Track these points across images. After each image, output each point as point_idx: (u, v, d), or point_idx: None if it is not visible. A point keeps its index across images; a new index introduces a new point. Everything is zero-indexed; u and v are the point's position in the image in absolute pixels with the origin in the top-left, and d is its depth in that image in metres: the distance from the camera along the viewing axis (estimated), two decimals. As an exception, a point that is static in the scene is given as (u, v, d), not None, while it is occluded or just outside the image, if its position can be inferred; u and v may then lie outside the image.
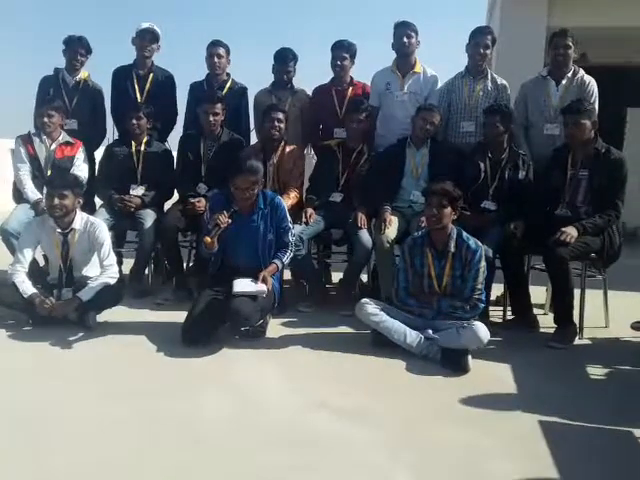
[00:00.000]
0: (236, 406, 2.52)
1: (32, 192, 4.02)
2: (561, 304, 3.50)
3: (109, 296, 3.45)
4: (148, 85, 4.54)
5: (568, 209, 3.64)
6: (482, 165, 3.88)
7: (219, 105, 4.20)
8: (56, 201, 3.37)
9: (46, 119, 4.07)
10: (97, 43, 4.65)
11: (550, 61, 4.22)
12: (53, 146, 4.15)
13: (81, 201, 3.54)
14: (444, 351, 3.07)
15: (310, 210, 4.06)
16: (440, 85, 4.42)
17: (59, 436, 2.22)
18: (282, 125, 4.17)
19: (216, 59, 4.54)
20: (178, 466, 2.05)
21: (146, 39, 4.52)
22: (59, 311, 3.32)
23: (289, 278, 4.36)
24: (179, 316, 3.35)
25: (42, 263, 3.81)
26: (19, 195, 4.12)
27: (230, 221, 3.33)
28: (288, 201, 4.02)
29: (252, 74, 5.58)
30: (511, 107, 4.08)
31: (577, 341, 3.48)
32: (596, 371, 3.10)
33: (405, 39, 4.31)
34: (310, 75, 5.18)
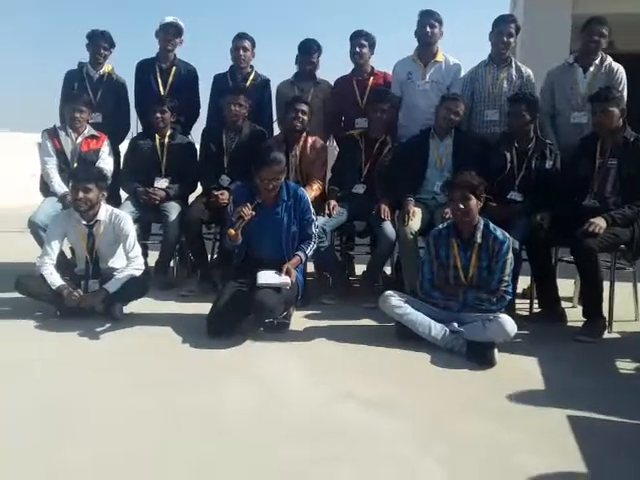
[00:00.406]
0: (260, 398, 2.53)
1: (59, 185, 4.07)
2: (590, 297, 3.43)
3: (135, 288, 3.48)
4: (171, 78, 4.56)
5: (596, 199, 3.57)
6: (508, 155, 3.82)
7: (242, 97, 4.21)
8: (80, 195, 3.41)
9: (77, 114, 4.12)
10: (119, 37, 4.68)
11: (580, 47, 4.12)
12: (79, 140, 4.19)
13: (105, 194, 3.58)
14: (470, 344, 3.04)
15: (333, 202, 4.05)
16: (463, 74, 4.37)
17: (86, 426, 2.25)
18: (305, 117, 4.15)
19: (241, 52, 4.54)
20: (202, 458, 2.06)
21: (170, 33, 4.53)
22: (86, 302, 3.37)
23: (312, 270, 4.35)
24: (204, 308, 3.37)
25: (69, 255, 3.86)
26: (46, 188, 4.17)
27: (254, 213, 3.34)
28: (311, 193, 4.01)
29: (273, 65, 5.56)
30: (536, 95, 4.01)
31: (606, 335, 3.42)
32: (625, 365, 3.04)
33: (428, 28, 4.26)
34: (332, 67, 5.15)
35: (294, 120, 4.13)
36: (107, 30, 4.57)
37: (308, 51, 4.53)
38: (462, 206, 3.14)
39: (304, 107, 4.15)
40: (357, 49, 4.44)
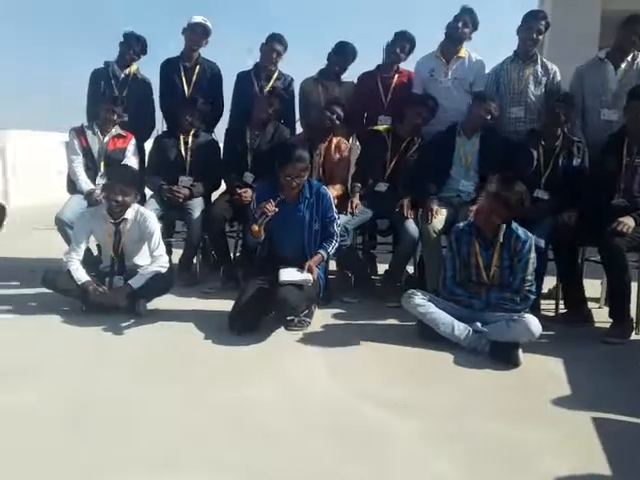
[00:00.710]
0: (282, 395, 2.54)
1: (85, 183, 4.13)
2: (617, 297, 3.37)
3: (159, 284, 3.52)
4: (195, 77, 4.59)
5: (624, 198, 3.50)
6: (535, 153, 3.77)
7: (280, 100, 4.28)
8: (120, 198, 3.47)
9: (112, 116, 4.19)
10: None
11: (615, 43, 4.01)
12: (106, 139, 4.25)
13: (139, 197, 3.63)
14: (493, 344, 3.01)
15: (356, 200, 4.04)
16: (486, 70, 4.31)
17: (110, 420, 2.27)
18: (337, 119, 4.18)
19: (274, 55, 4.55)
20: (224, 452, 2.07)
21: (197, 32, 4.56)
22: (111, 298, 3.42)
23: (334, 269, 4.35)
24: (226, 305, 3.39)
25: (95, 252, 3.92)
26: (73, 186, 4.25)
27: (277, 210, 3.35)
28: (333, 192, 4.00)
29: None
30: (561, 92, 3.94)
31: (634, 336, 3.35)
32: (654, 367, 2.98)
33: (460, 24, 4.21)
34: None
35: (327, 120, 4.15)
36: (144, 36, 4.62)
37: (346, 55, 4.52)
38: (490, 218, 3.11)
39: (339, 110, 4.17)
40: (398, 49, 4.39)
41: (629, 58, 3.94)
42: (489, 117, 3.92)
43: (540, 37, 4.14)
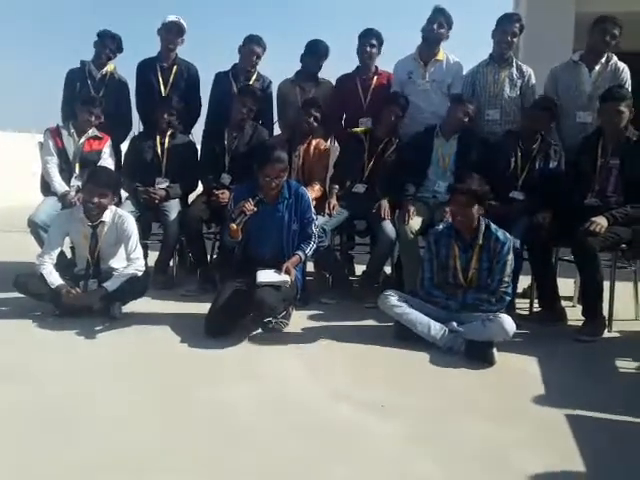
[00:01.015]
0: (260, 397, 2.52)
1: (60, 185, 4.07)
2: (590, 296, 3.42)
3: (134, 287, 3.48)
4: (172, 77, 4.56)
5: (598, 198, 3.55)
6: (513, 155, 3.81)
7: (253, 99, 4.23)
8: (96, 199, 3.42)
9: (90, 117, 4.13)
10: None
11: (588, 45, 4.06)
12: (82, 140, 4.18)
13: (116, 199, 3.59)
14: (469, 343, 3.03)
15: (333, 202, 4.04)
16: (464, 72, 4.35)
17: (87, 427, 2.24)
18: (315, 122, 4.18)
19: (253, 57, 4.53)
20: (201, 456, 2.06)
21: (172, 32, 4.52)
22: (85, 301, 3.38)
23: (312, 270, 4.35)
24: (203, 307, 3.37)
25: (69, 255, 3.87)
26: (47, 188, 4.17)
27: (255, 209, 3.34)
28: (312, 193, 4.00)
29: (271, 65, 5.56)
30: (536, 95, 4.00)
31: (606, 334, 3.40)
32: (625, 364, 3.03)
33: (435, 26, 4.24)
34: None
35: (304, 122, 4.15)
36: (119, 35, 4.57)
37: (317, 53, 4.51)
38: (463, 212, 3.14)
39: (316, 112, 4.16)
40: (367, 48, 4.41)
41: (603, 60, 4.00)
42: (467, 119, 3.95)
43: (515, 40, 4.18)
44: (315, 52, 4.52)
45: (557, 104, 3.89)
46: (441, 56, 4.35)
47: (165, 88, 4.54)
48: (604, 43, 3.95)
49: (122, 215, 3.59)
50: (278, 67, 4.77)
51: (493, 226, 3.22)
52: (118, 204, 4.03)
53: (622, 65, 4.01)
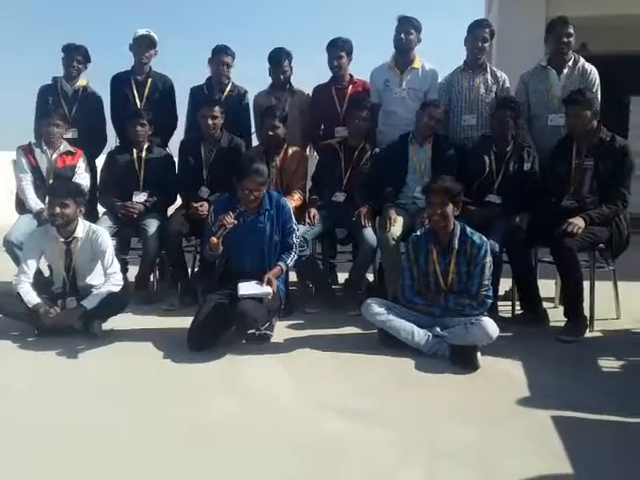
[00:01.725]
0: (245, 410, 2.50)
1: (34, 202, 4.01)
2: (570, 296, 3.45)
3: (114, 303, 3.43)
4: (147, 91, 4.53)
5: (574, 200, 3.60)
6: (487, 159, 3.85)
7: (217, 108, 4.18)
8: (57, 210, 3.36)
9: (53, 129, 4.08)
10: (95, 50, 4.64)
11: (551, 50, 4.15)
12: (54, 156, 4.14)
13: (83, 210, 3.53)
14: (453, 348, 3.04)
15: (313, 211, 4.04)
16: (439, 79, 4.39)
17: (69, 447, 2.20)
18: (279, 130, 4.15)
19: (223, 67, 4.50)
20: (188, 472, 2.03)
21: (143, 45, 4.50)
22: (64, 320, 3.31)
23: (295, 280, 4.33)
24: (185, 321, 3.33)
25: (47, 273, 3.80)
26: (22, 205, 4.11)
27: (236, 222, 3.32)
28: (292, 203, 3.99)
29: (251, 75, 5.55)
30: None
31: (588, 334, 3.44)
32: (608, 363, 3.06)
33: (403, 35, 4.27)
34: (309, 75, 5.14)
35: (268, 136, 4.15)
36: (84, 45, 4.54)
37: (278, 60, 4.50)
38: (439, 211, 3.15)
39: (275, 121, 4.12)
40: (335, 62, 4.42)
41: (570, 63, 4.07)
42: (433, 123, 3.97)
43: (486, 45, 4.23)
44: (277, 60, 4.50)
45: (519, 101, 3.93)
46: (417, 64, 4.38)
47: (140, 101, 4.50)
48: (563, 44, 4.01)
49: (96, 230, 3.54)
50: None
51: (468, 230, 3.24)
52: (95, 220, 3.98)
53: (590, 67, 4.08)
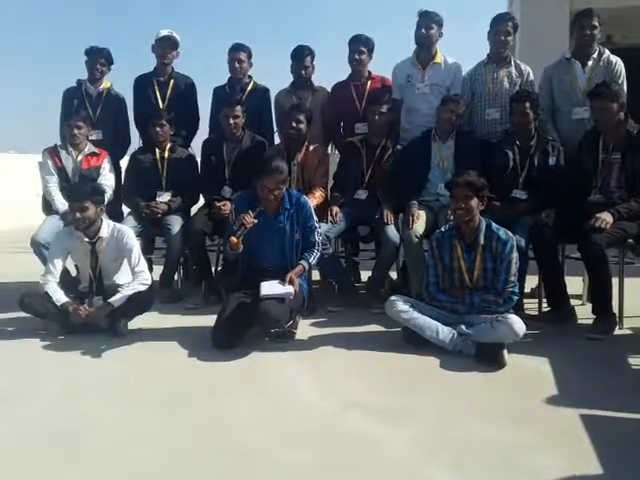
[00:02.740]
0: (270, 408, 2.50)
1: (61, 203, 4.07)
2: (599, 293, 3.38)
3: (140, 302, 3.46)
4: (169, 91, 4.57)
5: (602, 194, 3.53)
6: (510, 154, 3.79)
7: (238, 108, 4.21)
8: (78, 215, 3.41)
9: (76, 131, 4.14)
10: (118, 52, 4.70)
11: (575, 42, 4.10)
12: (79, 157, 4.20)
13: (104, 209, 3.57)
14: (479, 346, 3.00)
15: (336, 209, 4.03)
16: (463, 73, 4.35)
17: (97, 444, 2.22)
18: (302, 126, 4.15)
19: (237, 64, 4.54)
20: (213, 469, 2.04)
21: (166, 46, 4.55)
22: (92, 318, 3.35)
23: (318, 278, 4.33)
24: (209, 320, 3.35)
25: (74, 273, 3.86)
26: (48, 207, 4.18)
27: (256, 221, 3.32)
28: (314, 200, 3.99)
29: (274, 74, 5.57)
30: (537, 93, 3.98)
31: (617, 331, 3.37)
32: (638, 362, 2.99)
33: (424, 30, 4.25)
34: (329, 71, 5.13)
35: (290, 130, 4.14)
36: (107, 48, 4.59)
37: (300, 56, 4.52)
38: (463, 205, 3.11)
39: (300, 116, 4.14)
40: (356, 56, 4.41)
41: (595, 55, 4.00)
42: (455, 118, 3.93)
43: (509, 38, 4.18)
44: (300, 56, 4.52)
45: (534, 92, 3.87)
46: (439, 59, 4.34)
47: (163, 102, 4.55)
48: (587, 37, 3.96)
49: (121, 229, 3.58)
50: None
51: (494, 225, 3.19)
52: (120, 220, 4.02)
53: (615, 59, 4.00)
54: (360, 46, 4.42)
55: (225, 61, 4.61)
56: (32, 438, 2.27)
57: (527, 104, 3.71)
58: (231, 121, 4.18)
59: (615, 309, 3.39)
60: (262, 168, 3.36)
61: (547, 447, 2.14)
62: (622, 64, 4.00)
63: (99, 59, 4.51)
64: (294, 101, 4.49)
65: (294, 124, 4.12)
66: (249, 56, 4.62)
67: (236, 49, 4.56)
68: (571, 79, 4.02)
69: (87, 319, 3.34)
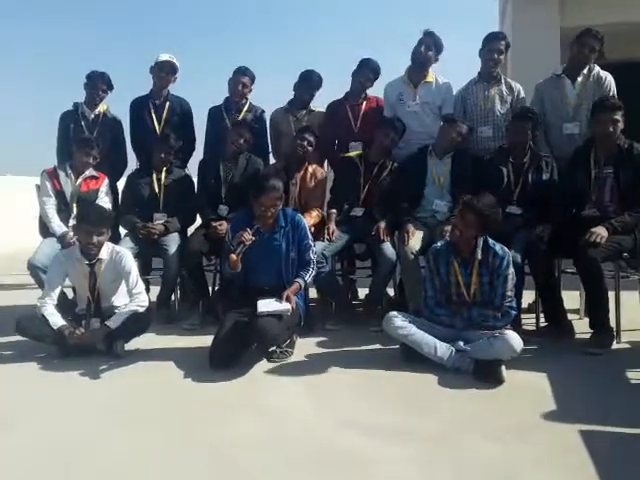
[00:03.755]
0: (268, 428, 2.49)
1: (58, 226, 4.08)
2: (596, 308, 3.39)
3: (137, 324, 3.46)
4: (165, 114, 4.62)
5: (596, 208, 3.56)
6: (504, 170, 3.82)
7: (249, 130, 4.29)
8: (95, 239, 3.42)
9: (88, 159, 4.17)
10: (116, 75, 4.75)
11: (570, 58, 4.15)
12: (79, 180, 4.21)
13: (110, 233, 3.59)
14: (477, 362, 3.00)
15: (332, 227, 4.04)
16: (453, 92, 4.40)
17: (93, 467, 2.20)
18: (310, 147, 4.21)
19: (240, 87, 4.60)
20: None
21: (164, 70, 4.60)
22: (88, 340, 3.35)
23: (315, 296, 4.33)
24: (206, 340, 3.34)
25: (71, 295, 3.85)
26: (45, 229, 4.18)
27: (254, 238, 3.33)
28: (310, 220, 4.01)
29: (268, 95, 5.62)
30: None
31: (615, 345, 3.37)
32: (636, 375, 2.99)
33: (423, 49, 4.30)
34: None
35: (299, 147, 4.18)
36: (107, 72, 4.64)
37: (310, 83, 4.58)
38: (465, 227, 3.12)
39: (310, 137, 4.20)
40: (361, 80, 4.48)
41: (585, 71, 4.06)
42: (460, 139, 3.98)
43: (501, 57, 4.24)
44: (309, 81, 4.59)
45: (537, 112, 3.91)
46: (430, 78, 4.41)
47: (159, 125, 4.59)
48: (583, 55, 4.02)
49: (119, 251, 3.59)
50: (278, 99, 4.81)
51: (490, 241, 3.21)
52: (117, 241, 4.03)
53: (605, 74, 4.06)
54: (370, 73, 4.49)
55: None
56: (30, 459, 2.26)
57: (530, 124, 3.75)
58: (241, 140, 4.25)
59: (612, 323, 3.39)
60: (259, 186, 3.39)
61: (547, 463, 2.13)
62: (612, 79, 4.06)
63: (100, 84, 4.56)
64: (290, 120, 4.54)
65: (304, 143, 4.18)
66: (252, 81, 4.68)
67: (242, 73, 4.61)
68: (561, 95, 4.08)
69: (83, 341, 3.33)
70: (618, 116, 3.47)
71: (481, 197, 3.18)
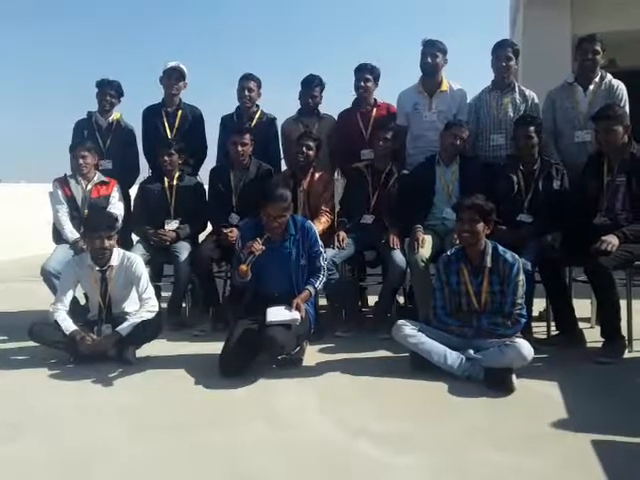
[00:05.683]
0: (278, 435, 2.49)
1: (71, 232, 4.13)
2: (607, 316, 3.36)
3: (148, 330, 3.48)
4: (177, 122, 4.66)
5: (607, 217, 3.54)
6: (514, 178, 3.81)
7: (247, 136, 4.28)
8: (106, 243, 3.45)
9: (81, 161, 4.21)
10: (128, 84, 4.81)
11: (577, 67, 4.16)
12: (89, 187, 4.27)
13: (117, 238, 3.62)
14: (487, 371, 2.98)
15: (342, 234, 4.05)
16: (468, 99, 4.40)
17: (105, 474, 2.22)
18: (311, 152, 4.21)
19: (247, 92, 4.63)
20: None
21: (173, 77, 4.65)
22: (100, 346, 3.37)
23: (325, 304, 4.33)
24: (216, 347, 3.35)
25: (83, 301, 3.89)
26: (58, 236, 4.24)
27: (264, 248, 3.35)
28: (319, 226, 4.02)
29: (280, 105, 5.67)
30: (540, 117, 4.02)
31: (627, 354, 3.33)
32: (649, 385, 2.96)
33: (429, 59, 4.31)
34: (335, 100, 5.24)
35: (298, 154, 4.19)
36: (117, 80, 4.71)
37: (309, 84, 4.62)
38: (468, 227, 3.13)
39: (309, 142, 4.20)
40: (362, 83, 4.50)
41: (597, 79, 4.05)
42: (459, 142, 3.97)
43: (511, 64, 4.23)
44: (309, 85, 4.62)
45: (538, 116, 3.91)
46: (445, 86, 4.40)
47: (171, 132, 4.64)
48: (589, 61, 4.01)
49: (130, 257, 3.62)
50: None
51: (500, 248, 3.20)
52: (129, 248, 4.07)
53: (617, 82, 4.05)
54: (366, 74, 4.50)
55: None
56: (43, 465, 2.28)
57: (531, 127, 3.75)
58: (239, 148, 4.24)
59: (624, 332, 3.36)
60: (265, 196, 3.40)
61: (558, 473, 2.11)
62: (624, 88, 4.04)
63: (109, 91, 4.62)
64: (301, 129, 4.55)
65: (304, 149, 4.18)
66: (259, 86, 4.71)
67: (246, 78, 4.65)
68: (573, 103, 4.07)
69: (95, 347, 3.36)
70: (617, 125, 3.46)
71: (469, 195, 3.24)
